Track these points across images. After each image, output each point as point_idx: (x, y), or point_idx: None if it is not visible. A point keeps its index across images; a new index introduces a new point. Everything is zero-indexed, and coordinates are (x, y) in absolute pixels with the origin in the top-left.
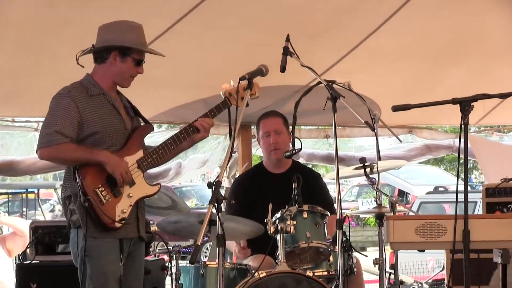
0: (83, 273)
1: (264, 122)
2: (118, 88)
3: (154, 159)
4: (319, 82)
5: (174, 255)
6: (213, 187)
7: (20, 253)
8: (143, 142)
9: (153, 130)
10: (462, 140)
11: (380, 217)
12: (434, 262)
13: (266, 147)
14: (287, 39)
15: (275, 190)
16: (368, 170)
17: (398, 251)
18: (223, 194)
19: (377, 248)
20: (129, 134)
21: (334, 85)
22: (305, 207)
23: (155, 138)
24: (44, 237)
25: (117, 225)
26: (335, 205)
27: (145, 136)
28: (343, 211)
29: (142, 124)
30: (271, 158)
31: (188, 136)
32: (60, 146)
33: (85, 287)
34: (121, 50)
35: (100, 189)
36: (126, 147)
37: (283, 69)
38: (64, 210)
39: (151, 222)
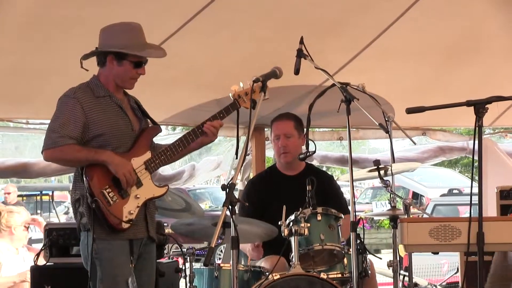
0: (93, 276)
1: (275, 125)
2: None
3: (162, 161)
4: (333, 84)
5: (188, 257)
6: (227, 189)
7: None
8: (151, 143)
9: (161, 131)
10: (477, 142)
11: (394, 220)
12: (449, 265)
13: (276, 150)
14: (301, 42)
15: (288, 192)
16: (382, 172)
17: (412, 253)
18: (237, 197)
19: (391, 250)
20: (136, 135)
21: (348, 87)
22: (319, 209)
23: (169, 141)
24: (59, 239)
25: (125, 226)
26: (349, 207)
27: (153, 137)
28: (357, 213)
29: (150, 125)
30: (280, 161)
31: (196, 138)
32: (64, 147)
33: None
34: (116, 54)
35: (107, 190)
36: (134, 149)
37: (297, 72)
38: (74, 213)
39: (165, 224)
